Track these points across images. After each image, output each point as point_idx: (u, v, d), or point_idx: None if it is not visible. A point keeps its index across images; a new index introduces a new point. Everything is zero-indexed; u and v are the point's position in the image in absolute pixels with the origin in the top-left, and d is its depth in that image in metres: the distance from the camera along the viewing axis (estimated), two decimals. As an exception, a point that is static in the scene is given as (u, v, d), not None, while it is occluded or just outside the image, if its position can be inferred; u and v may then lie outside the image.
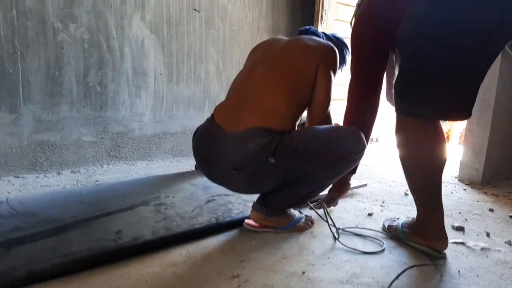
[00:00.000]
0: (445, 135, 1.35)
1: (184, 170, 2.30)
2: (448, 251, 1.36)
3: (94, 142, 2.29)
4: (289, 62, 1.40)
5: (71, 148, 2.20)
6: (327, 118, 1.46)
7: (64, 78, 2.11)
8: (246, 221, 1.48)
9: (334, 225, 1.50)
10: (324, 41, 1.51)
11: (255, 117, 1.32)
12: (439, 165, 1.30)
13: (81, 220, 1.39)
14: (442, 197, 1.34)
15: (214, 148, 1.36)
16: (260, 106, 1.34)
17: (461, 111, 1.22)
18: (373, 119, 1.54)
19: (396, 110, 1.32)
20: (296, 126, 1.42)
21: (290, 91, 1.37)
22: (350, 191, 2.03)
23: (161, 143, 2.57)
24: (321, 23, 2.90)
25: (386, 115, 2.41)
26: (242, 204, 1.65)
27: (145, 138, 2.49)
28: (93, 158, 2.30)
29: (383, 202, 1.95)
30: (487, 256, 1.39)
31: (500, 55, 1.79)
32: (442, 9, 1.12)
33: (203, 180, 1.87)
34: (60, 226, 1.33)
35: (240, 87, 1.44)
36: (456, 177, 2.49)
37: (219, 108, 1.45)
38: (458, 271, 1.26)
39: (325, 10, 2.88)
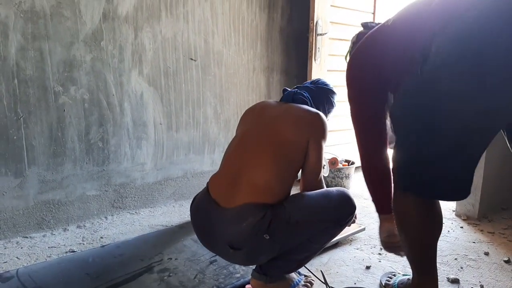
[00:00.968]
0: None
1: (186, 216, 2.38)
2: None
3: (98, 196, 2.35)
4: (281, 138, 1.45)
5: (76, 203, 2.27)
6: (319, 183, 1.53)
7: (67, 138, 2.18)
8: (247, 287, 1.54)
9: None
10: (312, 110, 1.55)
11: (247, 193, 1.37)
12: (434, 239, 1.32)
13: (88, 297, 1.45)
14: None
15: (210, 226, 1.41)
16: (252, 182, 1.39)
17: (460, 195, 1.22)
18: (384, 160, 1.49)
19: (394, 183, 1.34)
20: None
21: (281, 165, 1.42)
22: (349, 237, 2.09)
23: (163, 189, 2.63)
24: (315, 60, 2.96)
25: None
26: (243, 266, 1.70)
27: (147, 186, 2.55)
28: (97, 211, 2.36)
29: (381, 248, 2.00)
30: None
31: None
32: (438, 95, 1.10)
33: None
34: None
35: (233, 160, 1.49)
36: (453, 211, 2.53)
37: (214, 181, 1.50)
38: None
39: (318, 48, 2.94)
